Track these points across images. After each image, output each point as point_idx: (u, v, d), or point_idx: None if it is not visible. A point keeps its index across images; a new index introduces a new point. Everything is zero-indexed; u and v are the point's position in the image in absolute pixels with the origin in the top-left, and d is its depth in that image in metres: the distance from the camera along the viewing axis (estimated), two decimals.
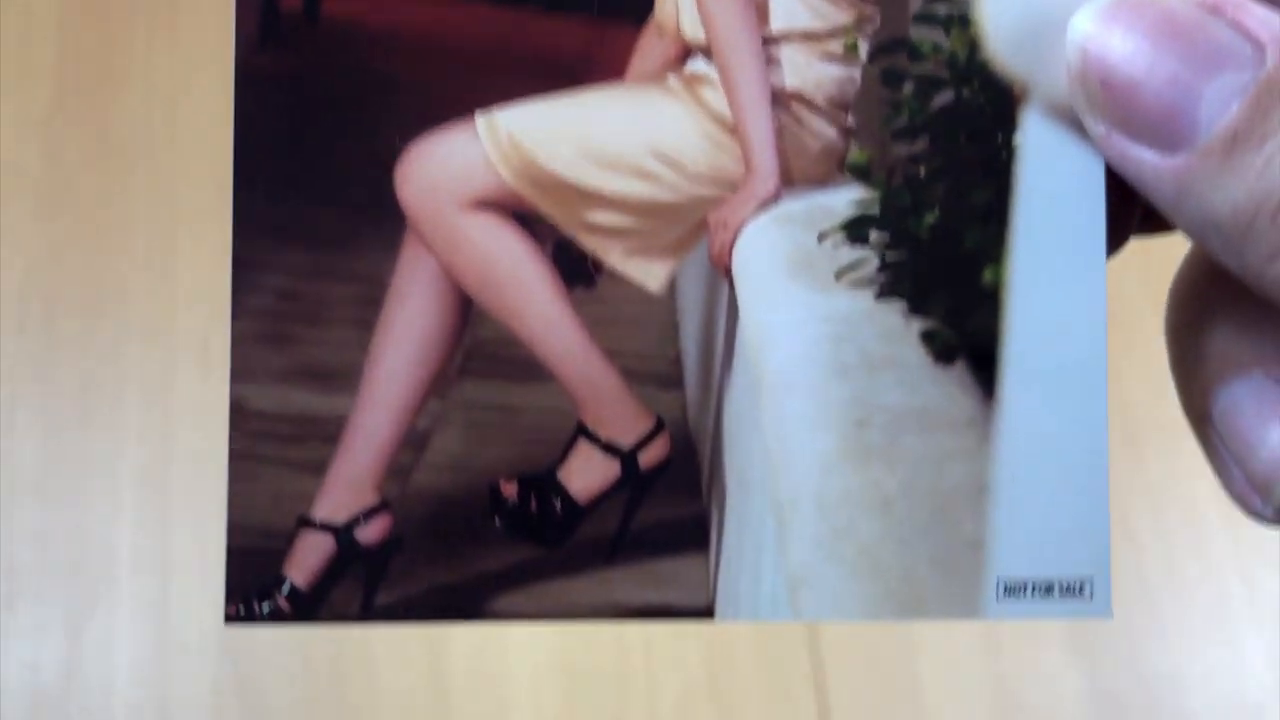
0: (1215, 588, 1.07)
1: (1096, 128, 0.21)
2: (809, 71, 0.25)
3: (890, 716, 1.07)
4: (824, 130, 0.25)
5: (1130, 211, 0.24)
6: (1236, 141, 0.21)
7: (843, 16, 0.25)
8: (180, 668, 0.93)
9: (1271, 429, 0.23)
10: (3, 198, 1.11)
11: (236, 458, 0.24)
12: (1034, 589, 0.22)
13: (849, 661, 1.03)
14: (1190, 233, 0.22)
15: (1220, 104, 0.20)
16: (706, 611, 0.24)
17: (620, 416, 0.25)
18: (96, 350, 1.06)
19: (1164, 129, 0.21)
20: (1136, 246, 0.30)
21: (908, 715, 0.98)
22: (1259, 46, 0.21)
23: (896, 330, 0.24)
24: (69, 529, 0.98)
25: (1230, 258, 0.22)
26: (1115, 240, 0.25)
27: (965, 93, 0.24)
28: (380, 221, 0.24)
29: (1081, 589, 0.22)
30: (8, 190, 1.11)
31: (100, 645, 0.94)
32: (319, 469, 0.24)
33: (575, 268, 0.26)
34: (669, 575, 0.24)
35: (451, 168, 0.25)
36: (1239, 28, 0.21)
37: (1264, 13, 0.21)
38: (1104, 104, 0.21)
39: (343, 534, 0.25)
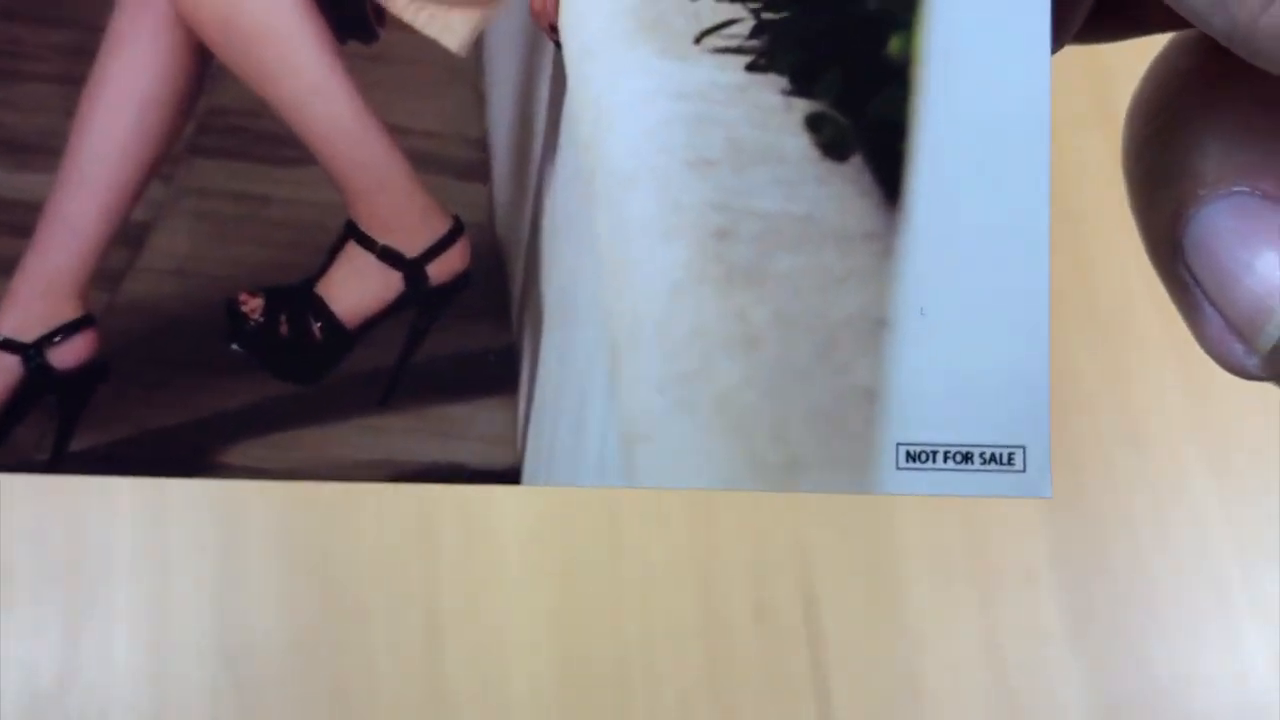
0: (1219, 589, 1.11)
1: None
2: None
3: (891, 717, 1.10)
4: None
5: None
6: None
7: None
8: (178, 669, 0.88)
9: (1259, 254, 0.20)
10: None
11: None
12: (946, 455, 0.18)
13: (850, 661, 1.06)
14: None
15: None
16: (511, 474, 0.20)
17: (404, 214, 0.21)
18: None
19: None
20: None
21: (908, 716, 1.01)
22: None
23: (774, 113, 0.19)
24: (65, 530, 0.94)
25: (1215, 14, 0.18)
26: (1059, 30, 0.20)
27: None
28: None
29: (1010, 459, 0.18)
30: None
31: (98, 646, 0.90)
32: (6, 268, 0.20)
33: (350, 15, 0.20)
34: (463, 425, 0.19)
35: None
36: None
37: None
38: None
39: (31, 354, 0.20)
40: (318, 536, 1.01)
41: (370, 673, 0.92)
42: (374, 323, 0.20)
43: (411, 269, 0.21)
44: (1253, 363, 0.20)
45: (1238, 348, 0.20)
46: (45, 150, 0.20)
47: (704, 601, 0.82)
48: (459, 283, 0.21)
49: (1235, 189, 0.20)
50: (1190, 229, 0.21)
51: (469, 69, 0.20)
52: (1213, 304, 0.20)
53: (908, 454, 0.18)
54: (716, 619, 0.94)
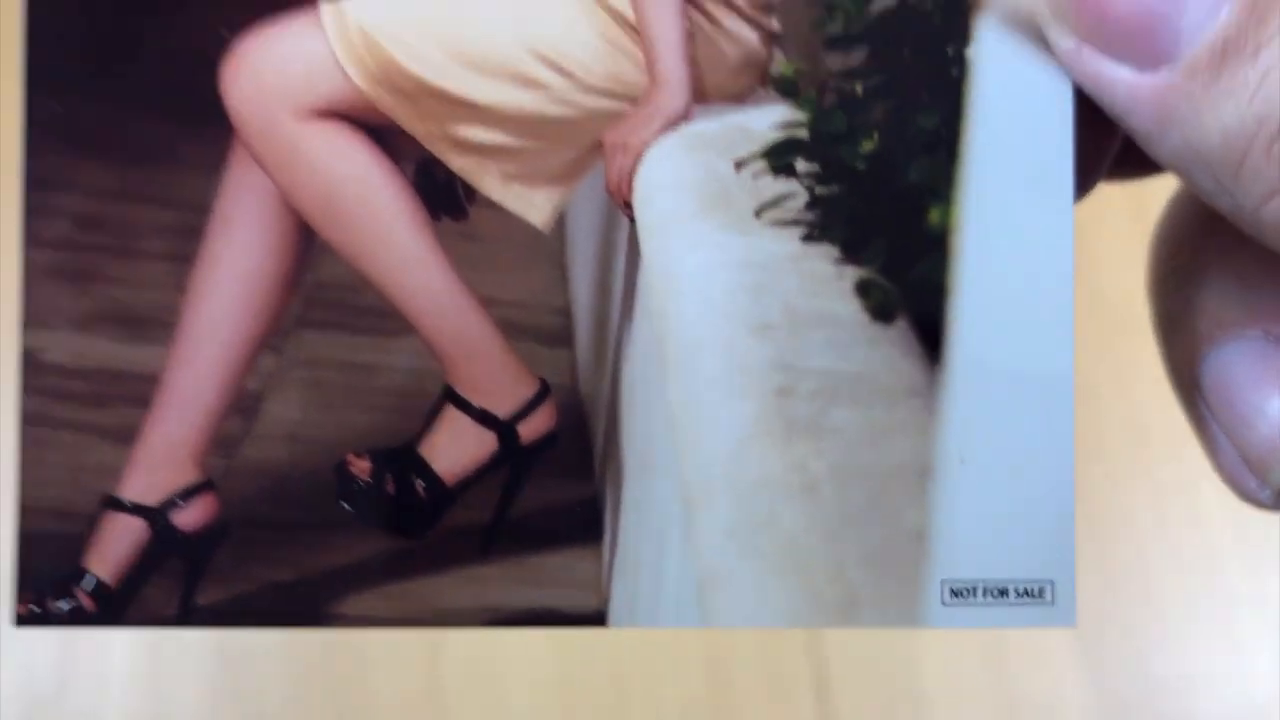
0: (1220, 591, 1.13)
1: (1063, 41, 0.21)
2: None
3: (891, 715, 1.11)
4: (744, 35, 0.24)
5: (1103, 144, 0.23)
6: (1227, 54, 0.20)
7: None
8: (176, 672, 0.89)
9: (1270, 398, 0.23)
10: (2, 196, 1.39)
11: (29, 421, 0.22)
12: (986, 592, 0.21)
13: (851, 664, 1.09)
14: (1174, 167, 0.21)
15: (1208, 9, 0.20)
16: (598, 617, 0.23)
17: (496, 379, 0.24)
18: None
19: (1142, 41, 0.20)
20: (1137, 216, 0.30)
21: (909, 714, 1.06)
22: None
23: (827, 280, 0.22)
24: None
25: (1221, 197, 0.21)
26: (1085, 180, 0.23)
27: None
28: (203, 132, 0.22)
29: (1041, 593, 0.21)
30: (7, 188, 1.40)
31: (95, 650, 0.90)
32: (127, 437, 0.23)
33: (442, 195, 0.24)
34: (554, 573, 0.22)
35: (290, 68, 0.23)
36: None
37: None
38: (1072, 12, 0.20)
39: (157, 518, 0.23)
40: None
41: (368, 674, 1.13)
42: (472, 480, 0.23)
43: (504, 429, 0.24)
44: (1265, 495, 0.22)
45: (1252, 482, 0.22)
46: (159, 324, 0.23)
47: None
48: (547, 441, 0.24)
49: (1248, 332, 0.23)
50: (1206, 368, 0.23)
51: (552, 244, 0.23)
52: (1229, 438, 0.23)
53: (952, 590, 0.21)
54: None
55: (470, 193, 0.23)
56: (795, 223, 0.23)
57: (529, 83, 0.23)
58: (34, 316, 0.23)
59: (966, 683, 1.11)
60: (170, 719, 0.86)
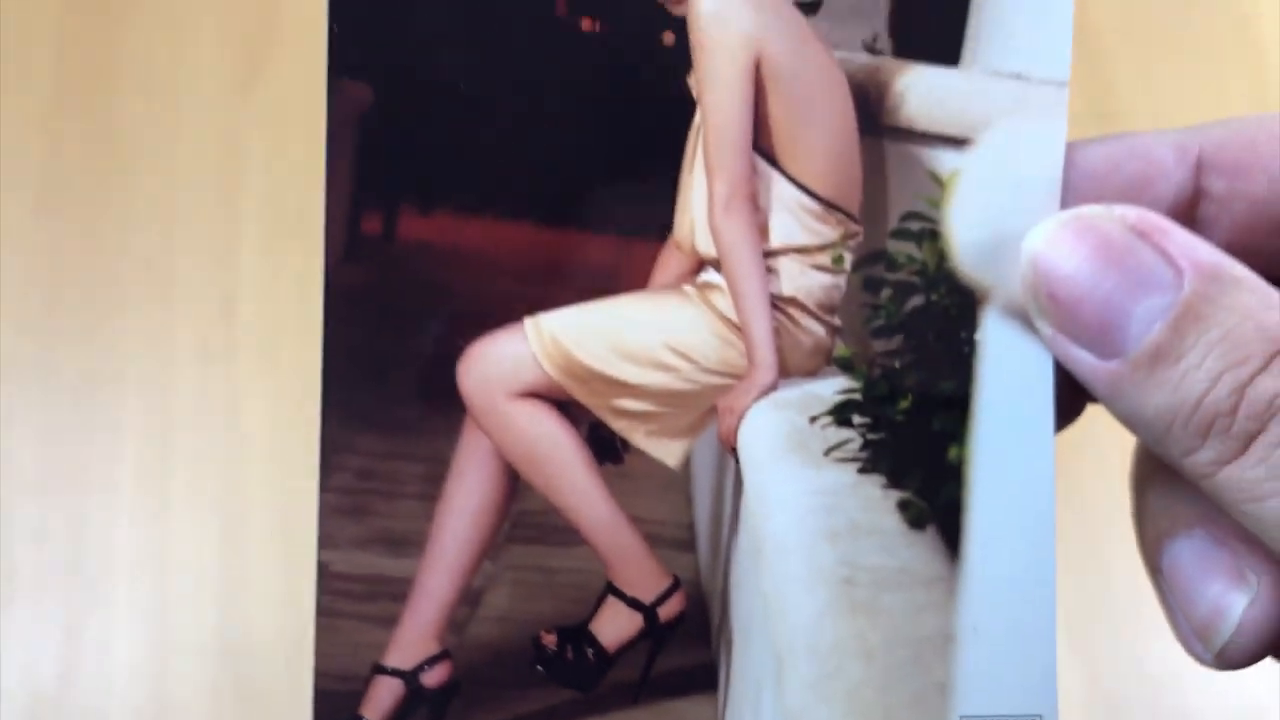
0: None
1: (1045, 330, 0.27)
2: (802, 279, 0.32)
3: None
4: (814, 329, 0.32)
5: (1078, 393, 0.29)
6: (1158, 357, 0.26)
7: (831, 233, 0.32)
8: (178, 669, 0.99)
9: (1210, 584, 0.29)
10: (2, 195, 1.19)
11: (322, 613, 0.31)
12: (1003, 717, 0.28)
13: None
14: (1122, 422, 0.27)
15: (1146, 323, 0.26)
16: None
17: (643, 576, 0.32)
18: (94, 349, 1.12)
19: (1100, 339, 0.27)
20: None
21: None
22: (1179, 272, 0.26)
23: (877, 500, 0.30)
24: (68, 530, 1.05)
25: (1155, 447, 0.28)
26: (1073, 411, 0.31)
27: (934, 297, 0.30)
28: (444, 410, 0.31)
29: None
30: (6, 188, 1.19)
31: (99, 646, 1.01)
32: (390, 622, 0.31)
33: (606, 447, 0.33)
34: (684, 714, 0.31)
35: (503, 364, 0.32)
36: (1163, 253, 0.27)
37: (1184, 238, 0.27)
38: (1051, 312, 0.27)
39: (410, 679, 0.32)
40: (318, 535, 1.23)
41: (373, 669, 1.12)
42: (626, 648, 0.31)
43: (648, 612, 0.32)
44: (1208, 658, 0.28)
45: (1198, 647, 0.28)
46: (413, 544, 0.33)
47: None
48: (679, 620, 0.32)
49: (1194, 532, 0.29)
50: (1164, 558, 0.29)
51: (681, 478, 0.32)
52: (1180, 613, 0.29)
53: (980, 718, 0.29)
54: None
55: (625, 444, 0.32)
56: (853, 460, 0.30)
57: (665, 368, 0.32)
58: (325, 539, 0.32)
59: None
60: (173, 715, 0.98)
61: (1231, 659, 0.30)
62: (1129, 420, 0.28)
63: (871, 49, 0.32)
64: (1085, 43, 1.33)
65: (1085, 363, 0.28)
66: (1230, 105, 1.35)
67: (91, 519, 1.03)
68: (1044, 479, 0.30)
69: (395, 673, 0.32)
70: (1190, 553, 0.30)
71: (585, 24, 0.30)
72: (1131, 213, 0.28)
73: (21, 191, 1.17)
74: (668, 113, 0.32)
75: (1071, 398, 0.30)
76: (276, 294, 1.13)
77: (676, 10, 0.31)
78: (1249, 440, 0.27)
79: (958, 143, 0.31)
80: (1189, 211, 0.31)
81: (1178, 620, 0.30)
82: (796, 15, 0.32)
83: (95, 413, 1.07)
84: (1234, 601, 0.30)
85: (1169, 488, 0.30)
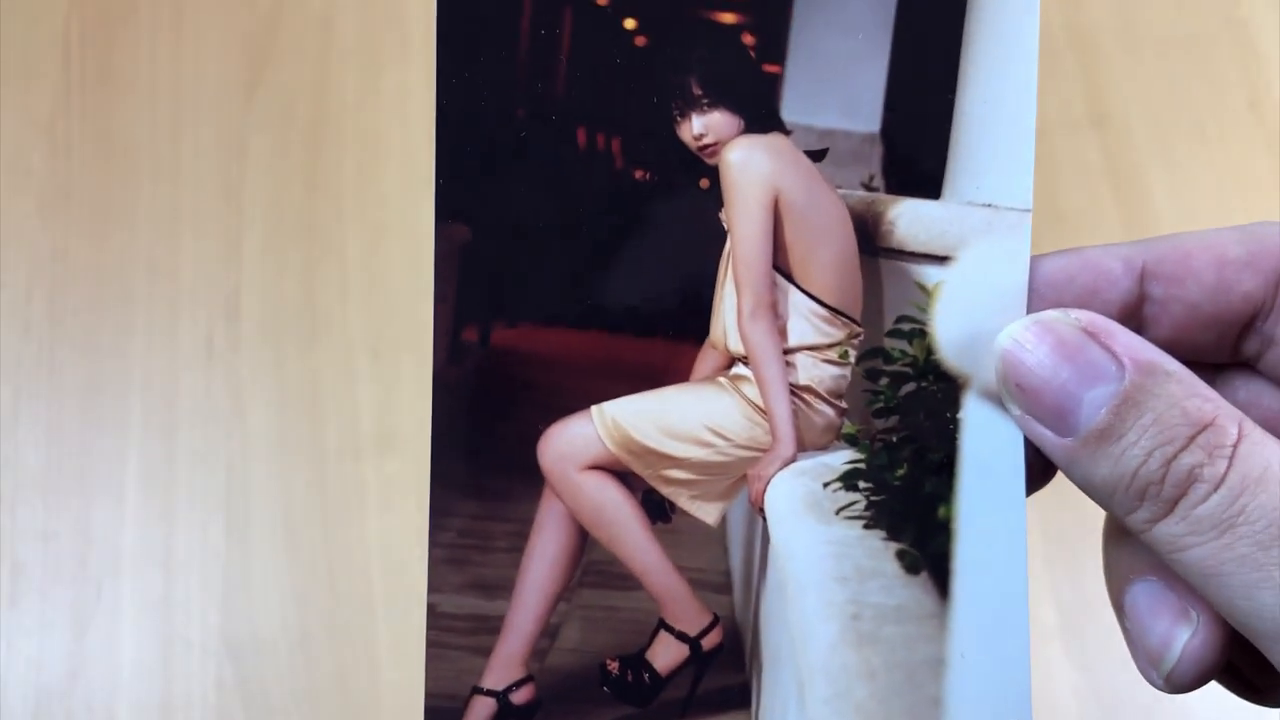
0: None
1: (1014, 411, 0.34)
2: (815, 371, 0.39)
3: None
4: (826, 411, 0.40)
5: (1047, 462, 0.36)
6: (1104, 437, 0.33)
7: (838, 333, 0.38)
8: (183, 665, 1.10)
9: (1159, 621, 0.36)
10: (6, 197, 1.27)
11: (431, 645, 0.37)
12: None
13: None
14: (1078, 487, 0.34)
15: (1094, 408, 0.33)
16: None
17: (688, 613, 0.40)
18: (100, 350, 1.20)
19: (1058, 420, 0.33)
20: None
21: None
22: (1121, 366, 0.33)
23: (879, 550, 0.37)
24: (73, 528, 1.14)
25: (1105, 508, 0.34)
26: (1044, 477, 0.37)
27: (924, 384, 0.37)
28: (527, 480, 0.38)
29: None
30: (11, 190, 1.27)
31: (104, 643, 1.10)
32: (486, 652, 0.38)
33: (657, 508, 0.40)
34: None
35: (574, 443, 0.39)
36: (1109, 350, 0.33)
37: (1126, 337, 0.33)
38: (1018, 397, 0.34)
39: (501, 698, 0.39)
40: (320, 534, 1.13)
41: (372, 668, 1.09)
42: (675, 673, 0.38)
43: (693, 643, 0.38)
44: (1160, 683, 0.35)
45: (1151, 673, 0.35)
46: (503, 588, 0.41)
47: None
48: (718, 650, 0.38)
49: (1149, 577, 0.36)
50: (1125, 598, 0.36)
51: (719, 533, 0.38)
52: (1138, 645, 0.36)
53: None
54: None
55: (672, 506, 0.39)
56: (859, 518, 0.37)
57: (704, 444, 0.38)
58: (433, 585, 0.41)
59: None
60: (178, 711, 1.07)
61: (1178, 684, 0.37)
62: (1083, 486, 0.35)
63: (868, 187, 0.39)
64: (1080, 44, 1.36)
65: (1047, 439, 0.34)
66: (1225, 105, 1.32)
67: (97, 518, 1.14)
68: (1017, 532, 0.37)
69: (489, 693, 0.39)
70: (1145, 594, 0.37)
71: (638, 174, 0.39)
72: (1084, 316, 0.35)
73: (26, 193, 1.27)
74: (704, 241, 0.40)
75: (1043, 466, 0.37)
76: (279, 294, 1.21)
77: (710, 160, 0.39)
78: (1173, 504, 0.33)
79: (940, 260, 0.37)
80: (1135, 313, 0.37)
81: (1136, 651, 0.37)
82: (806, 161, 0.39)
83: (100, 414, 1.17)
84: (1178, 635, 0.37)
85: (1129, 541, 0.37)
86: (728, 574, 0.43)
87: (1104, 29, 1.35)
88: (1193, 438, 0.34)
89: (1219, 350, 0.39)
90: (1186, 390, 0.34)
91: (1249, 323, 0.39)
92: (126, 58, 1.33)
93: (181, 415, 1.16)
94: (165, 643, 1.09)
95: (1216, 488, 0.34)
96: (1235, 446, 0.34)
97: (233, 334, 1.20)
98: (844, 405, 0.41)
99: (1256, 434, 0.34)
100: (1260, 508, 0.33)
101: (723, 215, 0.40)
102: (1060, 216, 1.24)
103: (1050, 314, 0.35)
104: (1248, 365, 0.40)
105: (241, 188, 1.27)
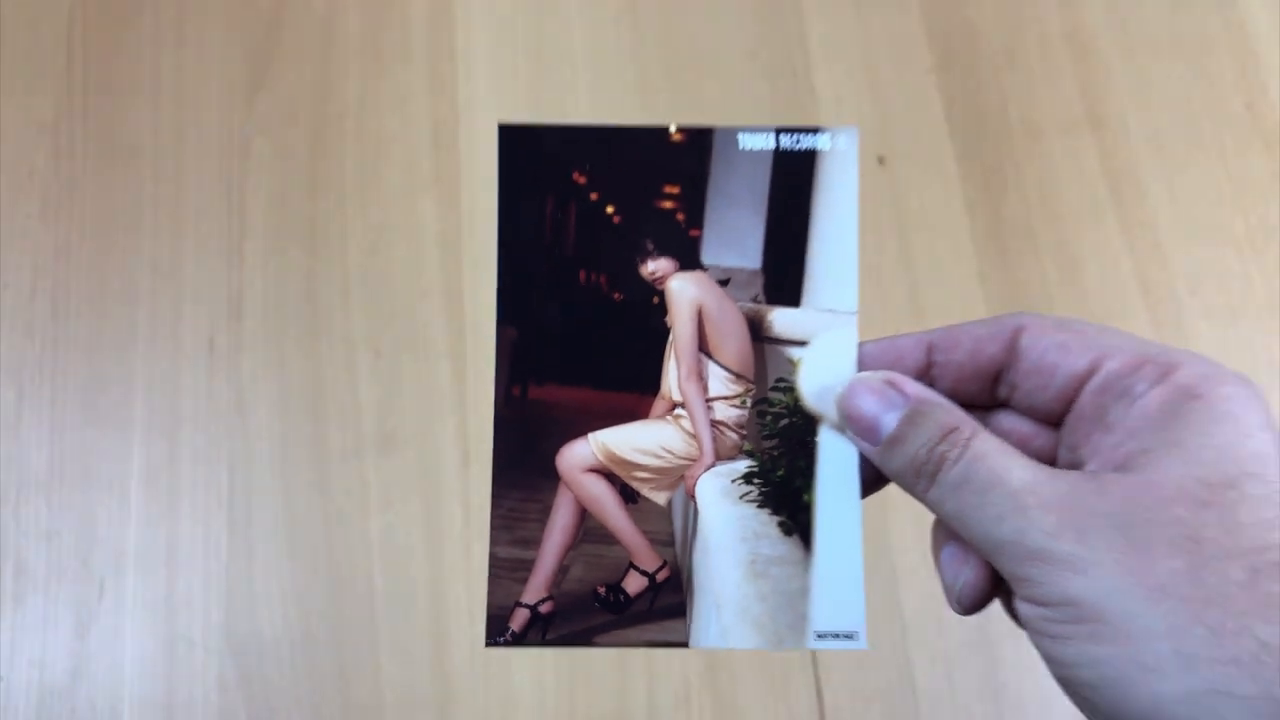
0: None
1: (849, 433, 0.67)
2: (726, 412, 0.78)
3: (885, 708, 1.34)
4: (733, 436, 0.78)
5: (878, 471, 0.66)
6: (894, 441, 0.64)
7: (740, 389, 0.77)
8: (185, 663, 1.31)
9: (952, 568, 0.65)
10: (10, 198, 1.50)
11: (491, 578, 0.74)
12: (830, 635, 0.70)
13: (843, 655, 1.34)
14: (888, 476, 0.66)
15: (888, 425, 0.64)
16: (685, 644, 0.76)
17: (647, 558, 0.79)
18: (103, 350, 1.43)
19: (870, 435, 0.65)
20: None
21: (903, 706, 1.32)
22: (906, 398, 0.64)
23: (766, 522, 0.75)
24: (77, 527, 1.35)
25: (904, 489, 0.64)
26: (880, 482, 0.69)
27: (794, 419, 0.72)
28: (549, 479, 0.76)
29: (852, 635, 0.70)
30: (15, 190, 1.50)
31: (107, 641, 1.31)
32: (524, 582, 0.76)
33: (628, 494, 0.80)
34: (669, 628, 0.74)
35: (577, 457, 0.78)
36: (900, 391, 0.64)
37: (911, 384, 0.65)
38: (850, 424, 0.66)
39: (533, 609, 0.75)
40: (322, 533, 1.36)
41: (375, 665, 1.32)
42: (640, 595, 0.76)
43: (650, 577, 0.77)
44: (956, 608, 0.67)
45: (951, 600, 0.67)
46: (535, 543, 0.73)
47: None
48: (667, 580, 0.77)
49: (949, 543, 0.69)
50: (938, 558, 0.70)
51: (667, 510, 0.78)
52: (943, 584, 0.67)
53: (817, 634, 0.66)
54: None
55: (637, 494, 0.79)
56: (754, 501, 0.75)
57: (658, 457, 0.76)
58: (494, 541, 0.71)
59: (957, 674, 1.37)
60: (181, 708, 1.27)
61: (966, 606, 0.65)
62: (889, 474, 0.66)
63: (755, 300, 0.77)
64: (1078, 47, 1.60)
65: (865, 448, 0.65)
66: (1221, 107, 1.56)
67: (100, 517, 1.36)
68: (853, 509, 0.70)
69: (525, 606, 0.74)
70: (947, 553, 0.66)
71: (616, 296, 0.74)
72: (887, 374, 0.66)
73: (30, 194, 1.50)
74: (657, 335, 0.77)
75: (875, 476, 0.67)
76: (281, 294, 1.45)
77: (659, 287, 0.75)
78: (934, 477, 0.62)
79: (801, 343, 0.71)
80: (926, 374, 0.67)
81: (944, 588, 0.66)
82: (718, 287, 0.76)
83: (103, 413, 1.40)
84: (962, 574, 0.65)
85: (939, 523, 0.67)
86: (672, 535, 0.79)
87: (1101, 31, 1.61)
88: (945, 436, 0.62)
89: (983, 395, 0.68)
90: (943, 411, 0.63)
91: (998, 375, 0.67)
92: (129, 60, 1.56)
93: (184, 415, 1.40)
94: (168, 641, 1.32)
95: (956, 464, 0.61)
96: (969, 440, 0.62)
97: (235, 334, 1.45)
98: (744, 432, 0.76)
99: (984, 434, 0.62)
100: (979, 473, 0.61)
101: (667, 319, 0.78)
102: (1057, 217, 1.52)
103: (867, 374, 0.67)
104: (1005, 405, 0.68)
105: (244, 189, 1.51)
